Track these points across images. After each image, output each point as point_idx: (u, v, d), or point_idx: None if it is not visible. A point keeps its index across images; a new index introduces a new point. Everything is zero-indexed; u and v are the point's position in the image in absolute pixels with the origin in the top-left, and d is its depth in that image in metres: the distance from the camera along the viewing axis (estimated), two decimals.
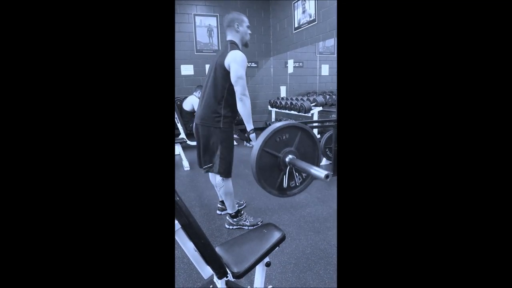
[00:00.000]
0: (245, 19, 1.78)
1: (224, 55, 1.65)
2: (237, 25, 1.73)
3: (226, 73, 1.64)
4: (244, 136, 1.76)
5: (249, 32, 1.80)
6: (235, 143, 2.16)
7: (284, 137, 1.28)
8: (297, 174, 1.31)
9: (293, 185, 1.34)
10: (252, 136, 1.71)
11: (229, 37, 1.76)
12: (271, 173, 1.24)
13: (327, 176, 1.05)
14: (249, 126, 1.70)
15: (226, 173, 1.76)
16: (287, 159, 1.26)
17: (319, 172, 1.09)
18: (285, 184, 1.29)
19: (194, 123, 1.85)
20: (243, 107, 1.66)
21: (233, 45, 1.71)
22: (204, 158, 1.81)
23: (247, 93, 1.66)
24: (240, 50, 1.69)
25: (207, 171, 1.83)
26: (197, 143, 1.85)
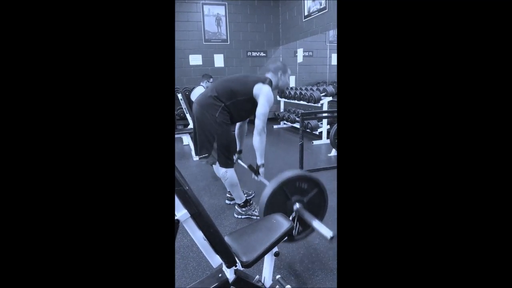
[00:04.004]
0: (289, 71, 1.89)
1: (259, 79, 1.75)
2: (281, 74, 1.82)
3: (248, 93, 1.72)
4: (253, 169, 1.83)
5: (289, 83, 1.89)
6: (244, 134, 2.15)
7: (303, 186, 1.31)
8: (298, 223, 1.33)
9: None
10: (261, 170, 1.79)
11: (268, 75, 1.82)
12: (276, 209, 1.24)
13: (332, 238, 1.07)
14: (260, 160, 1.78)
15: (226, 164, 1.77)
16: (295, 207, 1.29)
17: (325, 231, 1.10)
18: None
19: (193, 104, 1.84)
20: (260, 142, 1.72)
21: (270, 82, 1.78)
22: (200, 147, 1.82)
23: (265, 129, 1.72)
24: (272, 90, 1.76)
25: (207, 163, 1.85)
26: (193, 127, 1.86)
